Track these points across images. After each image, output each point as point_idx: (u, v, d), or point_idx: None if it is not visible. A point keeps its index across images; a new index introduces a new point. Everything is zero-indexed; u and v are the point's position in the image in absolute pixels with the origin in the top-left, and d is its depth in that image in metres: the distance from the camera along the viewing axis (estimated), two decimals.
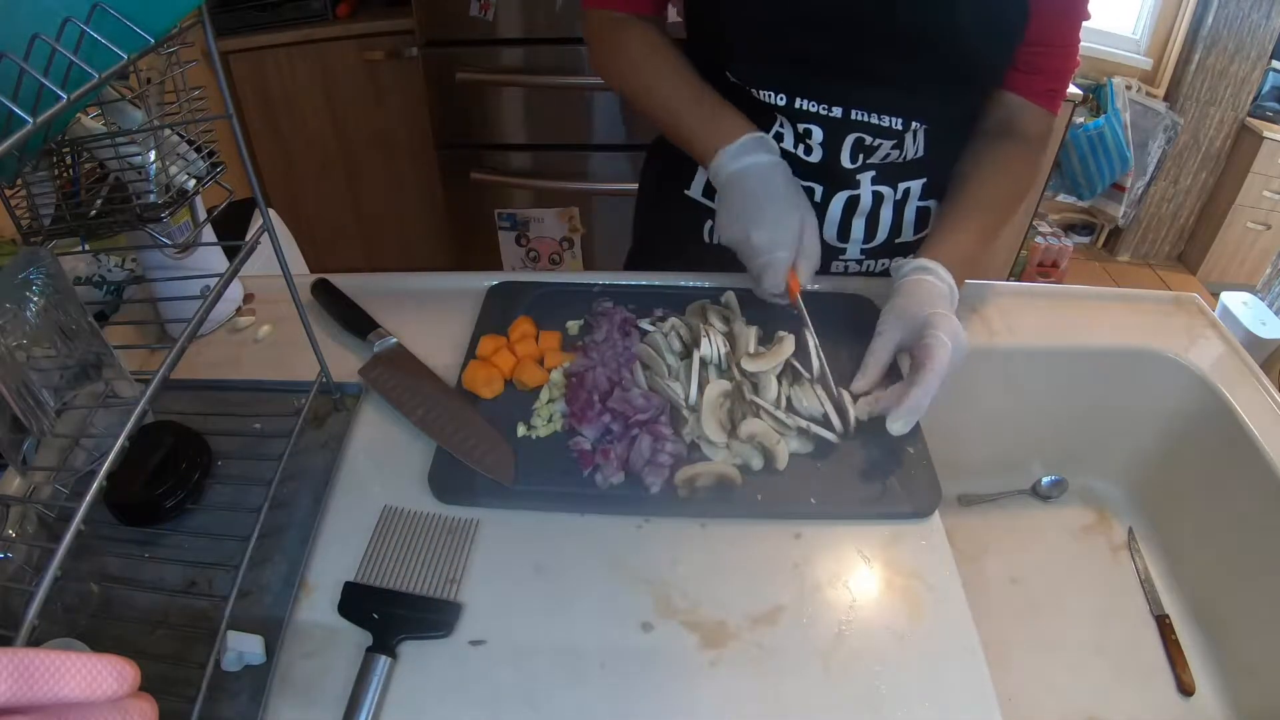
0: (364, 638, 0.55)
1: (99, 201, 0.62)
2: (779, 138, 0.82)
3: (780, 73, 0.79)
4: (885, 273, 0.91)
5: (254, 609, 0.58)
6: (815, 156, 0.82)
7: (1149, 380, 0.86)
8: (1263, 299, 2.39)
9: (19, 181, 0.58)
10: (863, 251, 0.90)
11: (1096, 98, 2.66)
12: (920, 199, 0.88)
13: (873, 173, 0.84)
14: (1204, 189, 2.92)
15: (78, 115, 0.59)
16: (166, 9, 0.46)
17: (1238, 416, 0.78)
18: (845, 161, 0.82)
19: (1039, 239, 2.75)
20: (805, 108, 0.79)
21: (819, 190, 0.85)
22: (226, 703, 0.52)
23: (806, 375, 0.73)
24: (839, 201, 0.85)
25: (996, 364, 0.85)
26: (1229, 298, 2.39)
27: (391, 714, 0.52)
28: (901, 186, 0.87)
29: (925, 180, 0.87)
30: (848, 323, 0.81)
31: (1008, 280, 1.21)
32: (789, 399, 0.71)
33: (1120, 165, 2.65)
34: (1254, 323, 2.27)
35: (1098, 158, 2.66)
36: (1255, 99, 2.71)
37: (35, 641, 0.49)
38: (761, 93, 0.80)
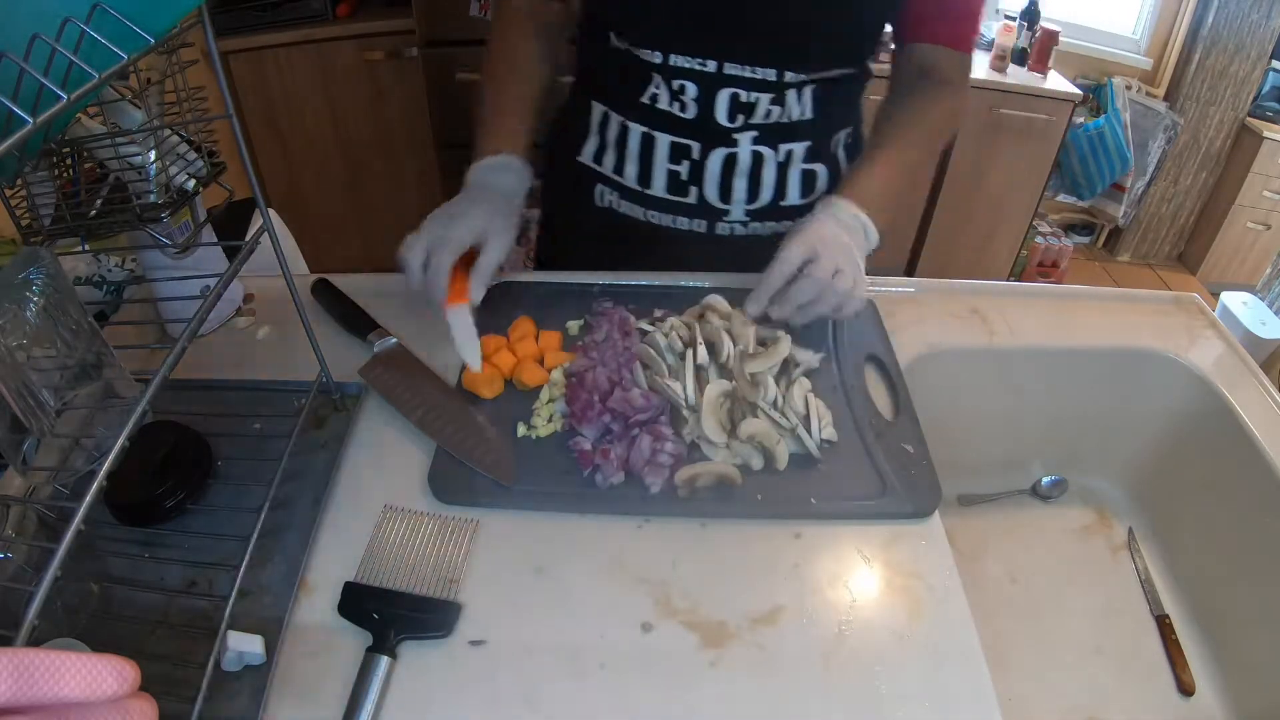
0: (364, 638, 0.55)
1: (99, 201, 0.62)
2: (654, 98, 0.85)
3: (658, 30, 0.82)
4: (772, 236, 0.92)
5: (254, 609, 0.58)
6: (690, 113, 0.84)
7: (1149, 380, 0.86)
8: (1263, 299, 2.39)
9: (19, 181, 0.58)
10: (746, 213, 0.91)
11: (1096, 98, 2.66)
12: (805, 162, 0.89)
13: (754, 133, 0.85)
14: (1204, 189, 2.92)
15: (78, 115, 0.59)
16: (166, 9, 0.46)
17: (1238, 416, 0.78)
18: (722, 119, 0.84)
19: (1039, 239, 2.75)
20: (680, 64, 0.82)
21: (696, 147, 0.87)
22: (226, 703, 0.52)
23: (805, 379, 0.73)
24: (716, 159, 0.87)
25: (996, 364, 0.85)
26: (1229, 298, 2.39)
27: (391, 714, 0.52)
28: (784, 148, 0.88)
29: (809, 144, 0.88)
30: (850, 323, 0.81)
31: (1008, 280, 1.21)
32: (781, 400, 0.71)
33: (1120, 165, 2.65)
34: (1254, 323, 2.27)
35: (1098, 158, 2.66)
36: (1255, 99, 2.71)
37: (35, 641, 0.49)
38: (641, 52, 0.83)
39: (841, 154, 0.92)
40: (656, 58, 0.82)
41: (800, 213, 0.87)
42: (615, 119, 0.88)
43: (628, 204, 0.92)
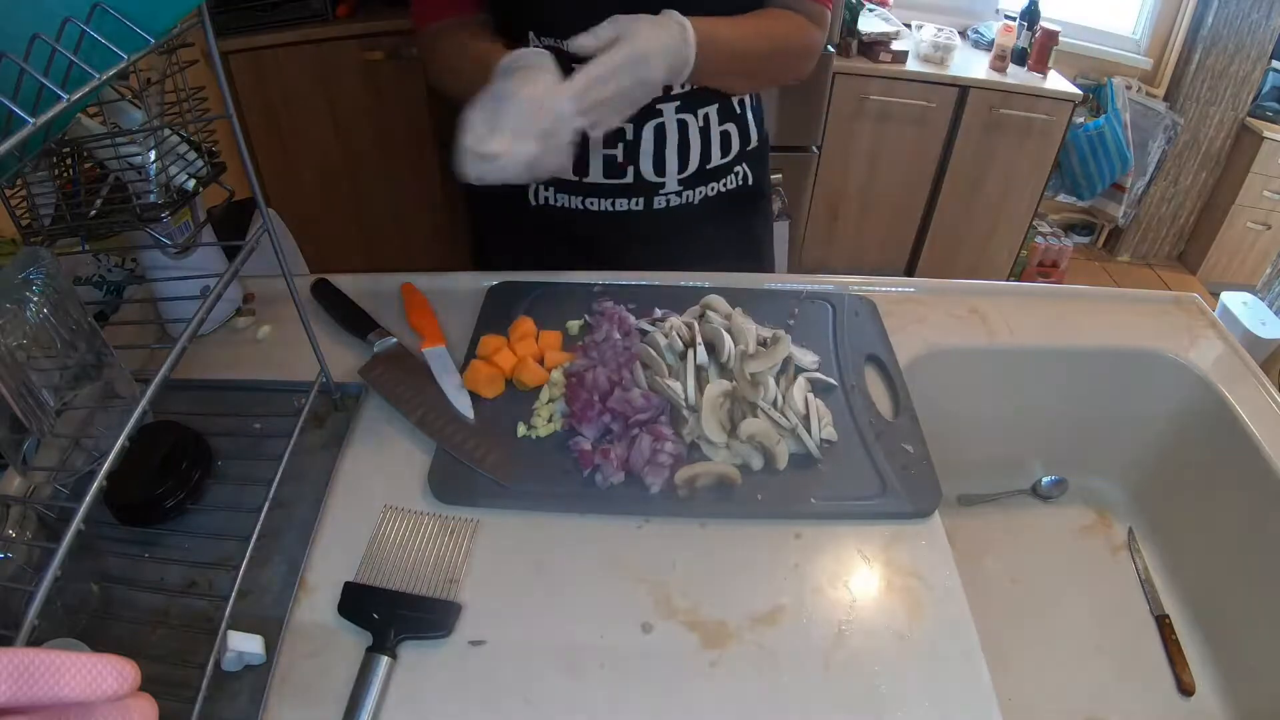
0: (364, 638, 0.55)
1: (99, 201, 0.62)
2: None
3: (583, 21, 0.80)
4: (703, 202, 0.95)
5: (254, 609, 0.58)
6: None
7: (1149, 380, 0.86)
8: (1263, 299, 2.39)
9: (19, 181, 0.58)
10: (679, 182, 0.93)
11: (1096, 98, 2.66)
12: (720, 124, 0.92)
13: (676, 102, 0.87)
14: (1204, 189, 2.92)
15: (78, 115, 0.59)
16: (166, 9, 0.46)
17: (1238, 416, 0.78)
18: None
19: (1039, 239, 2.74)
20: None
21: (629, 127, 0.88)
22: (226, 703, 0.52)
23: (807, 376, 0.73)
24: (649, 132, 0.88)
25: (996, 364, 0.85)
26: (1229, 298, 2.39)
27: (391, 714, 0.52)
28: (701, 113, 0.90)
29: (719, 105, 0.91)
30: (850, 323, 0.81)
31: (1008, 280, 1.21)
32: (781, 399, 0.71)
33: (1120, 165, 2.65)
34: (1254, 323, 2.27)
35: (1098, 158, 2.66)
36: (1255, 99, 2.71)
37: (35, 641, 0.49)
38: (565, 43, 0.82)
39: (750, 115, 0.95)
40: None
41: (723, 172, 0.95)
42: None
43: (564, 196, 0.93)
